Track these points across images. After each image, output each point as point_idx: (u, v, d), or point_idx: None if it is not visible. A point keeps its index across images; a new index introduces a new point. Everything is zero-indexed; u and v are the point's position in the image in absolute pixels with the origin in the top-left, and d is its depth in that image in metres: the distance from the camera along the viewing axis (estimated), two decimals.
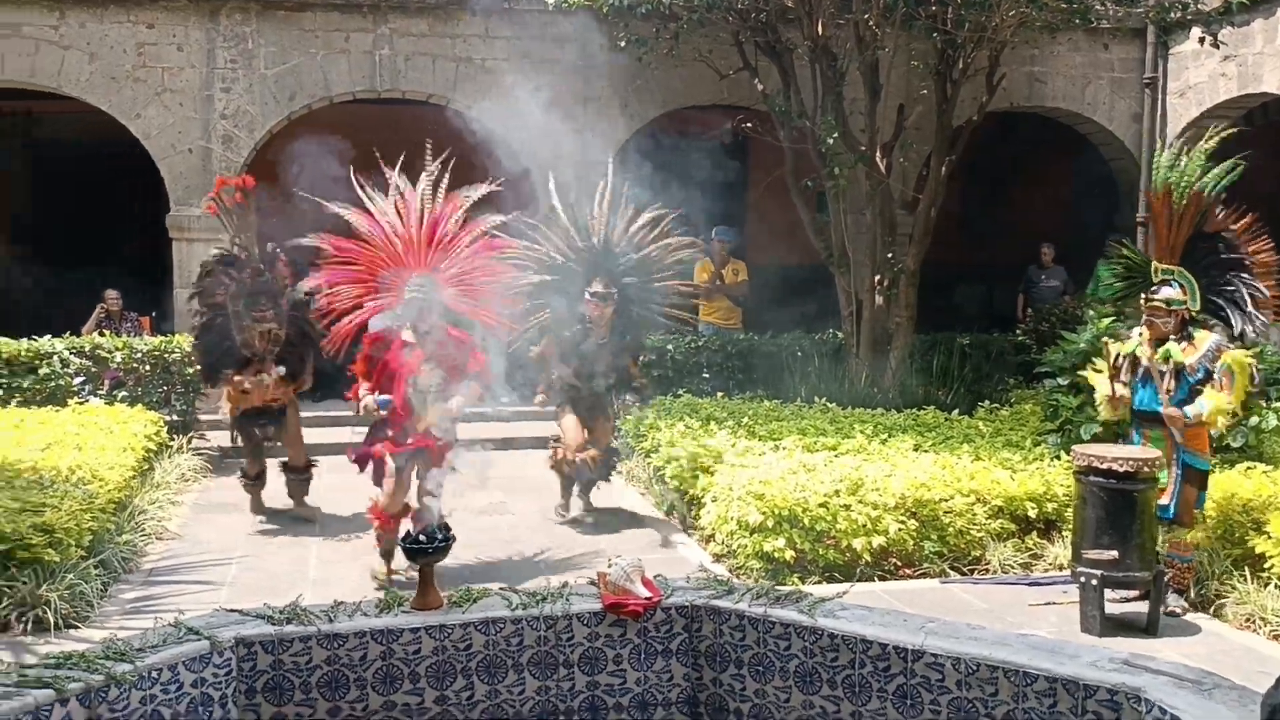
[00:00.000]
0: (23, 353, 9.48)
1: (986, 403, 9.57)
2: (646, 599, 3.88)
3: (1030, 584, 6.22)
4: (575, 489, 7.66)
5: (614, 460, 7.95)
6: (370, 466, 6.14)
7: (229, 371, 7.13)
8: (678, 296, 7.87)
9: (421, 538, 4.00)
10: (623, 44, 10.48)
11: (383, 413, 5.91)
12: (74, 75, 10.83)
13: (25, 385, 9.36)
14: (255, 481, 7.49)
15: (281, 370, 7.13)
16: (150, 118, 10.95)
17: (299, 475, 7.52)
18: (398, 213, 6.05)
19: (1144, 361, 5.90)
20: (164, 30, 10.91)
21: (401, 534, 4.10)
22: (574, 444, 7.40)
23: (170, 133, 10.98)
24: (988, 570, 6.42)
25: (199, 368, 7.53)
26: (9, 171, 14.65)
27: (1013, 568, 6.41)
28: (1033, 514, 6.65)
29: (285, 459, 7.57)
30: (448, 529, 4.06)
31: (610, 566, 4.02)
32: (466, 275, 6.17)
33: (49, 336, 9.86)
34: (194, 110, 11.00)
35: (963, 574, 6.40)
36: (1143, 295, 6.03)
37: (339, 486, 8.37)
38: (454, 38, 11.41)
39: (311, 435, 8.34)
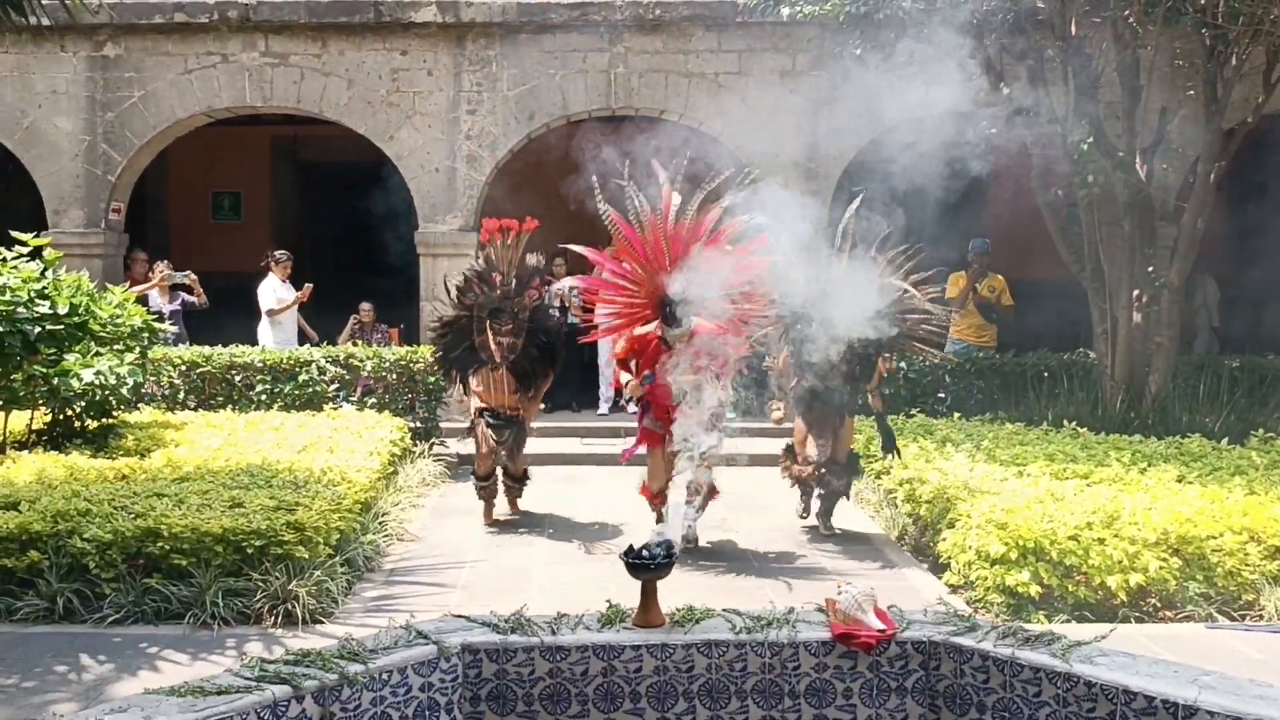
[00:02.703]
0: (285, 361, 10.15)
1: (1261, 431, 8.72)
2: (880, 631, 3.65)
3: None
4: (815, 500, 7.60)
5: (856, 468, 7.66)
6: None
7: (461, 368, 7.68)
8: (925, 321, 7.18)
9: (644, 553, 3.91)
10: (859, 52, 10.21)
11: (646, 386, 6.54)
12: (334, 100, 11.57)
13: (286, 391, 10.03)
14: (485, 485, 7.80)
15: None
16: (402, 140, 11.55)
17: (516, 482, 8.02)
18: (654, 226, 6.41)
19: None
20: (415, 56, 11.50)
21: (624, 548, 4.03)
22: (801, 451, 7.39)
23: (420, 153, 11.54)
24: (1261, 616, 5.80)
25: (437, 359, 7.99)
26: (281, 191, 15.87)
27: None
28: None
29: (505, 466, 7.99)
30: (670, 546, 3.96)
31: (840, 593, 3.81)
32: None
33: (308, 345, 10.53)
34: (441, 132, 11.52)
35: (1232, 619, 5.81)
36: None
37: (566, 495, 8.54)
38: (686, 53, 11.48)
39: (541, 445, 8.50)
